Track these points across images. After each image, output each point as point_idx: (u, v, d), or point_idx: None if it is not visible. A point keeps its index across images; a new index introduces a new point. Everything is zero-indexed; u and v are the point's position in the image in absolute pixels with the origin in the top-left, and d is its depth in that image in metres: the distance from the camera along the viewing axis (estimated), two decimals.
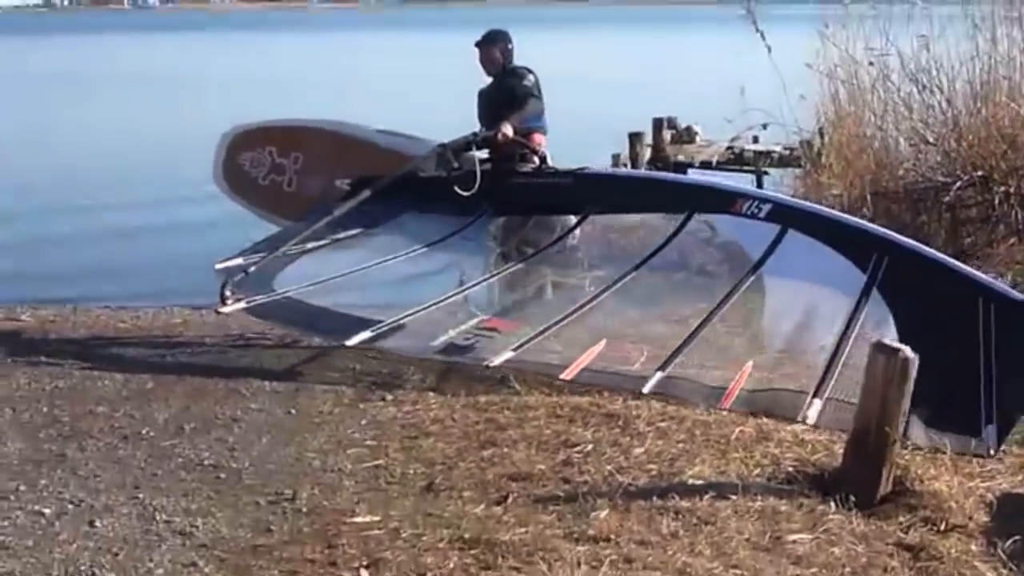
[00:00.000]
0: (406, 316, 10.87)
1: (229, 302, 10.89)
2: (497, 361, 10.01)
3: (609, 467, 8.11)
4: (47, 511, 7.69)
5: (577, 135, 33.51)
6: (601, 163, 19.37)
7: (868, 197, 16.17)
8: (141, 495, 7.94)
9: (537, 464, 8.22)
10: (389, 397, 10.07)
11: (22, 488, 8.09)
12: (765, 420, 9.06)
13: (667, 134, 24.91)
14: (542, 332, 10.42)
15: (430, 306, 11.09)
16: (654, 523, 7.18)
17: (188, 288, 15.85)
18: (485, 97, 12.55)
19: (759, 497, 7.57)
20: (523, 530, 7.10)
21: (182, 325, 13.86)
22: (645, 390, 9.47)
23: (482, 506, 7.54)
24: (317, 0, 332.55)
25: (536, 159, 12.21)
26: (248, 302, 10.99)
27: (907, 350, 7.59)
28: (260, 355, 11.86)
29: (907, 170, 16.95)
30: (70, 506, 7.78)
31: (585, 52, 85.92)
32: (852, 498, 7.49)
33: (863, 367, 7.84)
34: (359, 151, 12.81)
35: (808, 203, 11.98)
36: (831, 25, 17.33)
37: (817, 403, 9.12)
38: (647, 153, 23.10)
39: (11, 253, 19.92)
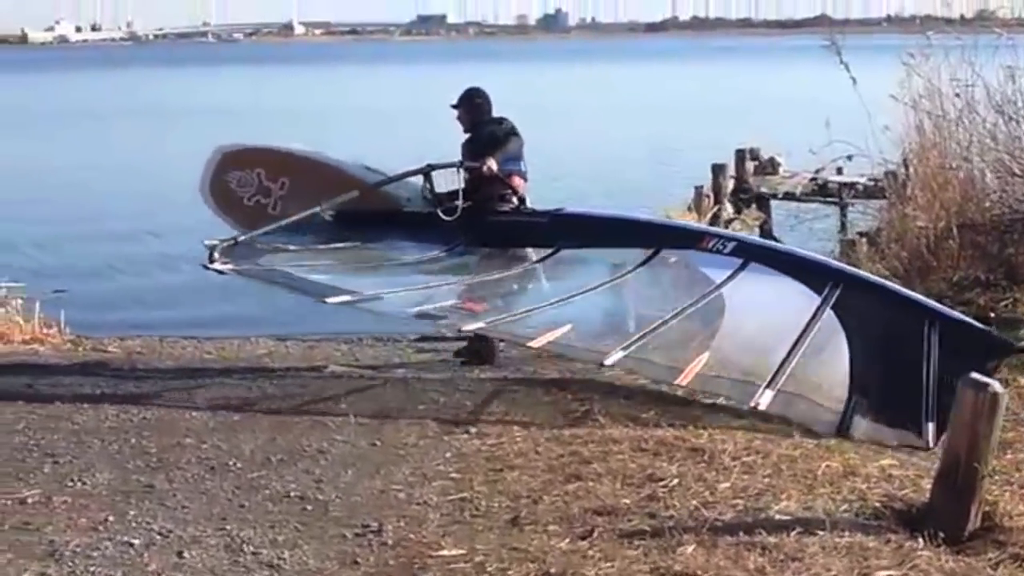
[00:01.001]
0: (386, 292, 11.44)
1: (216, 263, 11.32)
2: (470, 327, 10.72)
3: (695, 502, 8.08)
4: (136, 542, 7.74)
5: (661, 166, 33.76)
6: (683, 196, 19.37)
7: (954, 229, 16.03)
8: (228, 526, 7.99)
9: (622, 498, 8.20)
10: (473, 430, 10.08)
11: (111, 519, 8.16)
12: (852, 455, 9.02)
13: (750, 165, 24.88)
14: (515, 313, 11.19)
15: (408, 289, 11.74)
16: (741, 559, 7.13)
17: (273, 319, 15.98)
18: (465, 147, 13.10)
19: (846, 533, 7.50)
20: (609, 565, 7.08)
21: (267, 356, 13.98)
22: (607, 362, 10.15)
23: (567, 540, 7.52)
24: (399, 32, 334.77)
25: (515, 200, 12.74)
26: (236, 264, 11.57)
27: (996, 385, 7.55)
28: (345, 386, 11.92)
29: (993, 202, 16.77)
30: (158, 537, 7.84)
31: (669, 83, 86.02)
32: (940, 534, 7.41)
33: (814, 369, 9.66)
34: (346, 186, 12.95)
35: (770, 242, 12.51)
36: (916, 56, 17.21)
37: (769, 393, 9.89)
38: (730, 184, 23.03)
39: (98, 283, 20.09)
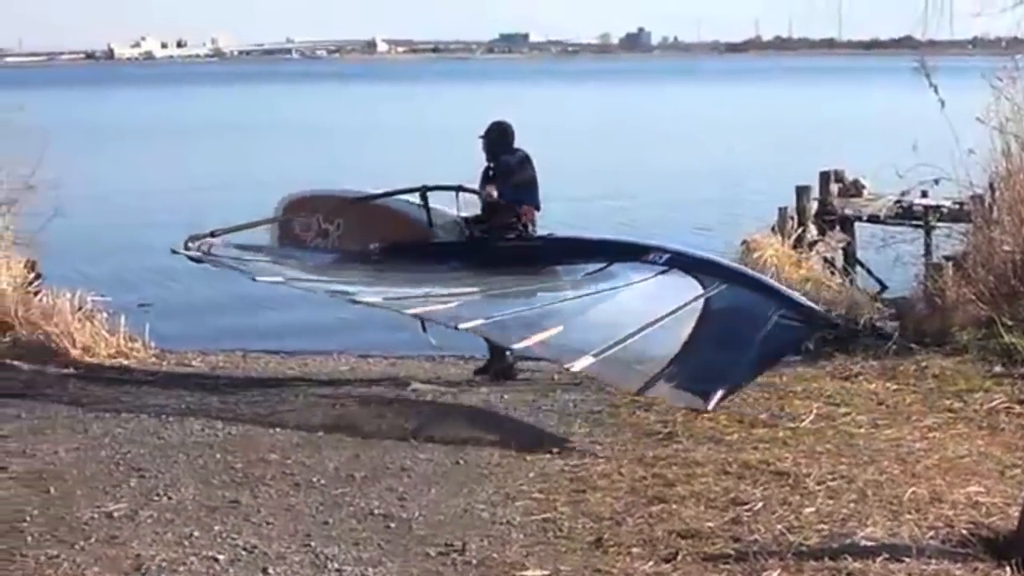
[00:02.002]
0: (316, 279, 13.01)
1: (189, 249, 13.13)
2: (465, 325, 11.26)
3: (780, 526, 8.04)
4: (221, 557, 7.80)
5: (744, 187, 33.66)
6: (767, 217, 19.28)
7: None
8: (313, 543, 8.03)
9: (706, 522, 8.17)
10: (556, 450, 10.08)
11: (196, 534, 8.22)
12: (939, 482, 8.94)
13: (834, 187, 24.70)
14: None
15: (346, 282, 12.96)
16: None
17: (355, 336, 16.05)
18: (483, 174, 13.77)
19: (932, 560, 7.44)
20: None
21: (349, 372, 14.03)
22: (461, 327, 11.23)
23: (651, 563, 7.51)
24: (481, 50, 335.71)
25: (520, 228, 13.45)
26: (204, 250, 13.23)
27: None
28: (428, 405, 11.96)
29: None
30: (243, 553, 7.89)
31: (752, 103, 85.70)
32: None
33: (653, 345, 11.05)
34: (389, 221, 13.90)
35: (706, 254, 13.60)
36: (1003, 78, 17.03)
37: (588, 359, 10.71)
38: (814, 206, 22.88)
39: (181, 297, 20.20)
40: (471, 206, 13.81)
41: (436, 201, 13.79)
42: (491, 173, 13.65)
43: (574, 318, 12.08)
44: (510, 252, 13.32)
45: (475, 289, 12.73)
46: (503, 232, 13.43)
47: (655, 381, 10.85)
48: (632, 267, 12.98)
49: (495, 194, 13.42)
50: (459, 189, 13.69)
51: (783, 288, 12.66)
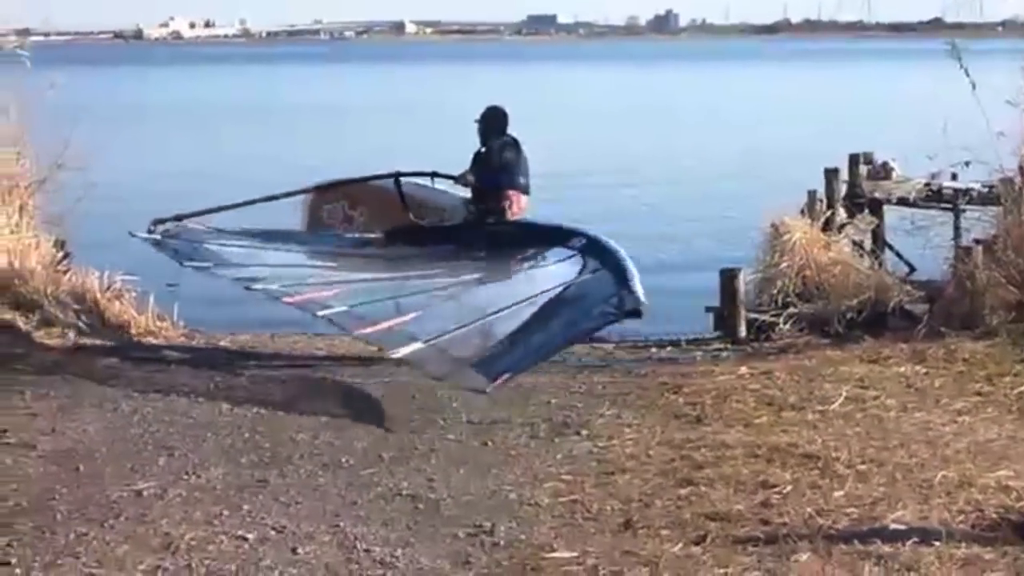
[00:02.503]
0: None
1: (147, 232, 13.52)
2: (323, 313, 11.53)
3: (809, 509, 8.04)
4: (250, 536, 7.83)
5: (773, 169, 33.52)
6: (795, 200, 19.20)
7: None
8: (341, 523, 8.05)
9: (735, 504, 8.17)
10: (584, 432, 10.09)
11: (225, 513, 8.25)
12: (968, 466, 8.91)
13: (863, 170, 24.54)
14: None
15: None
16: (856, 568, 7.10)
17: None
18: (474, 158, 13.85)
19: (962, 544, 7.44)
20: (722, 571, 7.08)
21: (377, 353, 13.97)
22: (319, 314, 11.51)
23: (680, 545, 7.51)
24: (509, 32, 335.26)
25: (508, 212, 13.40)
26: (160, 235, 13.53)
27: None
28: (456, 386, 11.93)
29: None
30: (272, 532, 7.92)
31: (781, 85, 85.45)
32: None
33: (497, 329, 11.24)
34: (396, 205, 14.12)
35: (613, 242, 12.93)
36: None
37: (415, 345, 10.82)
38: (843, 189, 22.77)
39: (207, 277, 20.07)
40: None
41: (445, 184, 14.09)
42: (479, 158, 13.74)
43: (440, 305, 12.20)
44: (468, 237, 13.51)
45: (376, 276, 13.10)
46: (487, 216, 13.53)
47: (460, 367, 10.84)
48: (554, 253, 13.06)
49: (471, 179, 13.64)
50: (433, 175, 14.08)
51: (634, 281, 12.02)
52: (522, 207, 13.55)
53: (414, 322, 11.35)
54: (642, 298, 11.53)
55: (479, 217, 13.60)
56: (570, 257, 12.80)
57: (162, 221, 13.89)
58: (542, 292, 12.04)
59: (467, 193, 13.89)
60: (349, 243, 14.11)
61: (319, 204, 14.82)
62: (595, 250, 12.70)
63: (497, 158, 13.52)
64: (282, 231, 14.61)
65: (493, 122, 13.80)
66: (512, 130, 13.67)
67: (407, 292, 12.34)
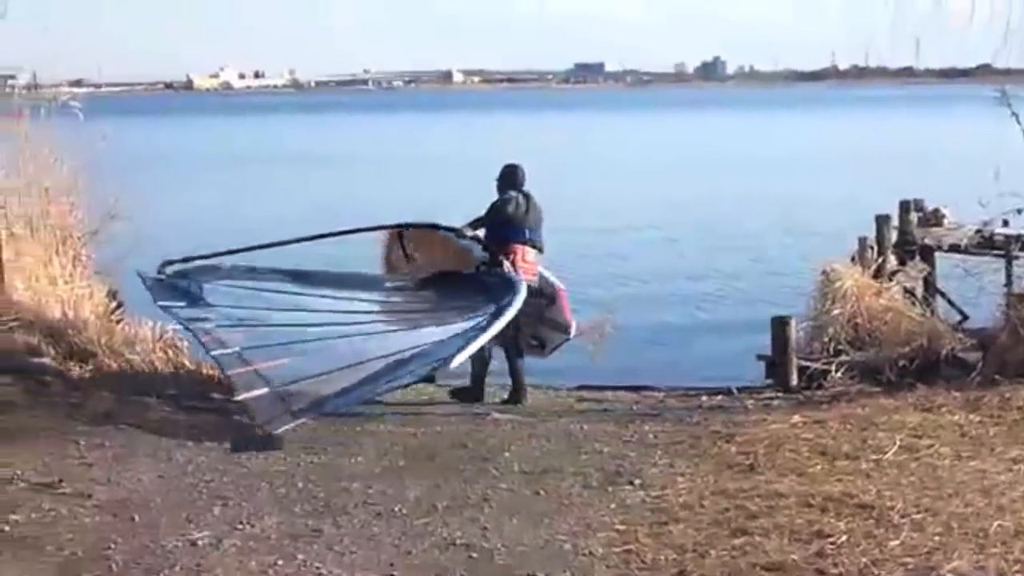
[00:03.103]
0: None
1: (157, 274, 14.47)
2: (215, 352, 12.50)
3: (864, 559, 8.00)
4: None
5: (825, 217, 33.46)
6: (846, 248, 19.17)
7: None
8: (396, 573, 8.07)
9: (790, 554, 8.13)
10: (636, 481, 10.07)
11: (280, 563, 8.27)
12: None
13: (914, 216, 24.51)
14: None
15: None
16: None
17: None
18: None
19: None
20: None
21: (427, 401, 14.02)
22: (212, 353, 12.50)
23: None
24: (557, 80, 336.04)
25: (506, 263, 13.92)
26: (166, 276, 14.49)
27: None
28: (508, 435, 11.97)
29: None
30: None
31: (830, 132, 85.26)
32: None
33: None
34: (451, 253, 14.81)
35: (510, 312, 13.15)
36: None
37: (258, 391, 11.68)
38: (894, 236, 22.72)
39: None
40: None
41: None
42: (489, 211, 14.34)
43: (323, 351, 12.55)
44: (447, 284, 14.38)
45: (307, 319, 13.55)
46: (493, 267, 14.05)
47: (284, 418, 11.42)
48: (484, 309, 13.37)
49: (469, 232, 14.34)
50: (435, 227, 14.94)
51: (460, 354, 12.44)
52: (527, 259, 14.04)
53: (281, 367, 12.06)
54: (450, 366, 12.43)
55: (489, 267, 14.10)
56: (482, 315, 13.18)
57: (172, 262, 14.79)
58: (423, 344, 12.63)
59: None
60: (358, 284, 14.74)
61: (391, 248, 15.56)
62: (496, 314, 13.08)
63: (502, 213, 14.08)
64: (290, 270, 15.03)
65: (507, 178, 14.35)
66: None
67: (311, 337, 12.90)
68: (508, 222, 14.05)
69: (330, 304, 14.01)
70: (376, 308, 14.31)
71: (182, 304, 13.79)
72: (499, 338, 13.40)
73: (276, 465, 10.71)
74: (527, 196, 14.17)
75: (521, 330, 14.07)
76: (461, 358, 12.33)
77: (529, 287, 13.66)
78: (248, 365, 12.07)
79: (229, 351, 12.32)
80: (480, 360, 13.83)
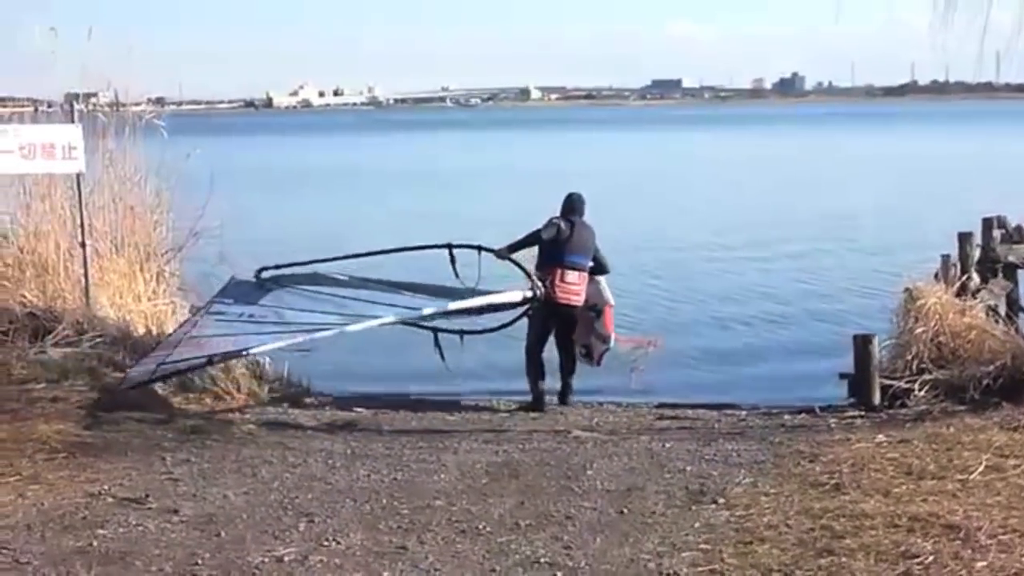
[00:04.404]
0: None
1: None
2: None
3: None
4: None
5: (906, 235, 33.24)
6: (928, 266, 19.07)
7: None
8: None
9: (876, 575, 8.07)
10: (721, 500, 10.03)
11: None
12: None
13: (997, 234, 24.26)
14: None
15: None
16: None
17: (511, 383, 16.08)
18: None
19: None
20: None
21: (509, 419, 14.07)
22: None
23: None
24: (634, 97, 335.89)
25: (542, 286, 15.06)
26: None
27: None
28: (589, 452, 11.97)
29: None
30: None
31: (911, 149, 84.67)
32: None
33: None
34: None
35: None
36: None
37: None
38: (977, 254, 22.52)
39: (338, 343, 20.17)
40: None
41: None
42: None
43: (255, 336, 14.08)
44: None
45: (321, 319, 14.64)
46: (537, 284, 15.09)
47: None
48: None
49: (506, 254, 15.29)
50: (479, 248, 15.43)
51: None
52: (566, 280, 15.06)
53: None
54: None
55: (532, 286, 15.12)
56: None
57: (266, 268, 16.51)
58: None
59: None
60: (414, 290, 15.79)
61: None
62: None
63: (542, 238, 15.16)
64: (359, 277, 16.24)
65: (564, 205, 15.50)
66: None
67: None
68: (551, 246, 15.08)
69: (364, 306, 14.94)
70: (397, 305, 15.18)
71: (230, 300, 15.75)
72: (559, 347, 15.27)
73: (360, 482, 10.78)
74: (572, 223, 15.18)
75: (575, 340, 15.36)
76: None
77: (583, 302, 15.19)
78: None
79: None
80: (535, 372, 15.05)
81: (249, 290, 16.19)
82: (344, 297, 15.45)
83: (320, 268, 16.62)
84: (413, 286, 15.90)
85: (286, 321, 14.71)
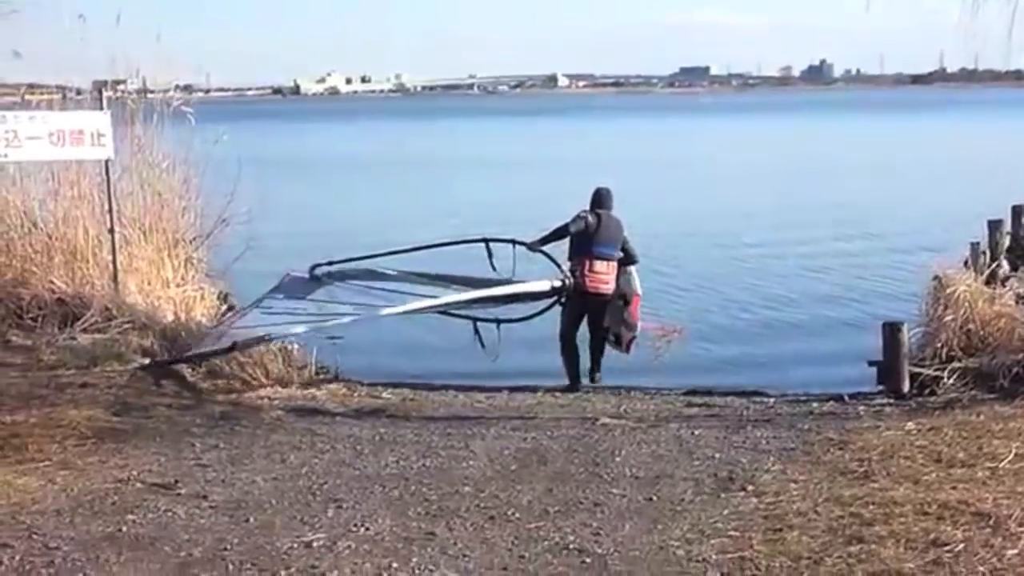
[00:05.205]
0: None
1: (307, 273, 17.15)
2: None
3: (982, 568, 7.91)
4: None
5: (935, 222, 33.13)
6: (958, 253, 19.00)
7: None
8: None
9: (906, 563, 8.06)
10: (750, 487, 10.01)
11: (395, 565, 8.33)
12: None
13: None
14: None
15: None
16: None
17: (540, 370, 16.11)
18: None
19: None
20: None
21: (537, 406, 14.05)
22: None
23: None
24: (662, 84, 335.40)
25: (571, 275, 15.99)
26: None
27: None
28: (617, 439, 11.95)
29: None
30: None
31: (939, 136, 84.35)
32: None
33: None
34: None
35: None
36: None
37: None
38: (1006, 241, 22.46)
39: (366, 330, 20.14)
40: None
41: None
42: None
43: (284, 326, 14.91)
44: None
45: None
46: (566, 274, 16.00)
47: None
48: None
49: (537, 246, 16.09)
50: (513, 242, 16.26)
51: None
52: (594, 269, 15.83)
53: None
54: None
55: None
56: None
57: (319, 265, 17.11)
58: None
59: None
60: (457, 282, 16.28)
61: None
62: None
63: (569, 231, 15.90)
64: (406, 272, 16.61)
65: (592, 199, 16.28)
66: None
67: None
68: (580, 238, 15.85)
69: (405, 298, 15.53)
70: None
71: (281, 296, 16.44)
72: (591, 331, 15.97)
73: (389, 468, 10.80)
74: (599, 216, 15.94)
75: (607, 327, 15.99)
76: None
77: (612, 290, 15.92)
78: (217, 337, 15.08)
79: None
80: (571, 356, 15.84)
81: (302, 285, 16.83)
82: (390, 291, 15.91)
83: (369, 264, 17.21)
84: (456, 279, 16.31)
85: (324, 313, 15.22)
